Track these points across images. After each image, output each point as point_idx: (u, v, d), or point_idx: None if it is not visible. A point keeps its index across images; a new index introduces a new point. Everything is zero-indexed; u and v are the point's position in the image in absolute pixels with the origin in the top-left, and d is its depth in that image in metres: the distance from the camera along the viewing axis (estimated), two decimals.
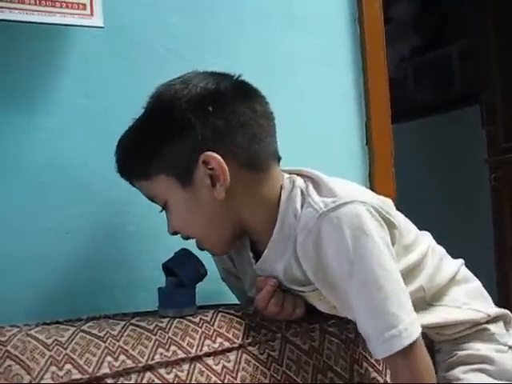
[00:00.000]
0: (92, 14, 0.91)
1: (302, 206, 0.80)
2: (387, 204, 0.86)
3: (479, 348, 0.88)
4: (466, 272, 0.95)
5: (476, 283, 0.95)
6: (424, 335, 0.91)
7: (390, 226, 0.81)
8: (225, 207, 0.81)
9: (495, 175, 2.36)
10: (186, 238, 0.86)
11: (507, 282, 2.27)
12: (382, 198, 0.87)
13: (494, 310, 0.92)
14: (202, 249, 0.87)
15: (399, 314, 0.74)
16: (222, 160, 0.79)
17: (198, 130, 0.79)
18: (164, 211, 0.85)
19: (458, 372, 0.87)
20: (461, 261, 0.96)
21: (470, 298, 0.91)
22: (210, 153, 0.79)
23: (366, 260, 0.75)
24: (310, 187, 0.82)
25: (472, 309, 0.90)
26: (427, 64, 3.02)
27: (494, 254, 2.36)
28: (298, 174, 0.86)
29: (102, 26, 0.93)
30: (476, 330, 0.90)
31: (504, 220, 2.34)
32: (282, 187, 0.83)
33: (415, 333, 0.74)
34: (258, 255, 0.86)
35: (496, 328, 0.91)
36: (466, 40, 2.75)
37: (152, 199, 0.86)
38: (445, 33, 2.94)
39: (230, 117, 0.80)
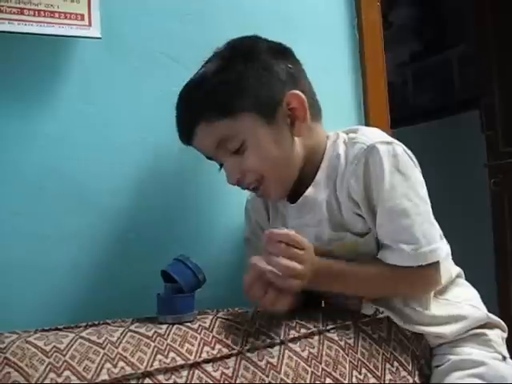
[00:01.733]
0: (90, 25, 0.91)
1: (345, 150, 0.90)
2: None
3: (472, 352, 0.89)
4: (464, 280, 0.99)
5: (474, 291, 0.98)
6: (422, 338, 0.92)
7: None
8: (299, 146, 0.90)
9: (495, 180, 2.36)
10: (247, 187, 0.91)
11: (508, 286, 2.26)
12: None
13: (492, 315, 0.93)
14: (262, 195, 0.94)
15: (422, 240, 0.84)
16: (304, 98, 0.88)
17: (280, 72, 0.88)
18: (224, 161, 0.89)
19: (453, 379, 0.87)
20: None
21: (471, 297, 0.94)
22: (295, 91, 0.88)
23: (398, 191, 0.84)
24: (353, 134, 0.91)
25: (473, 305, 0.92)
26: (427, 69, 3.02)
27: (494, 259, 2.35)
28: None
29: (100, 36, 0.93)
30: (474, 333, 0.90)
31: (504, 225, 2.33)
32: (327, 137, 0.94)
33: (441, 255, 0.86)
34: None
35: (493, 335, 0.92)
36: (465, 45, 2.75)
37: (217, 146, 0.88)
38: (444, 38, 2.94)
39: (296, 67, 0.92)
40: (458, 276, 0.97)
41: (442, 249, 0.87)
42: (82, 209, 0.96)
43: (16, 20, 0.86)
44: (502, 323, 0.95)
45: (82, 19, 0.91)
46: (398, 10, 3.05)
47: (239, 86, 0.85)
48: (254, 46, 0.89)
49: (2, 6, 0.85)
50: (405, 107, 2.96)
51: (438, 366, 0.91)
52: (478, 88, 2.52)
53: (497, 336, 0.92)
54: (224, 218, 1.10)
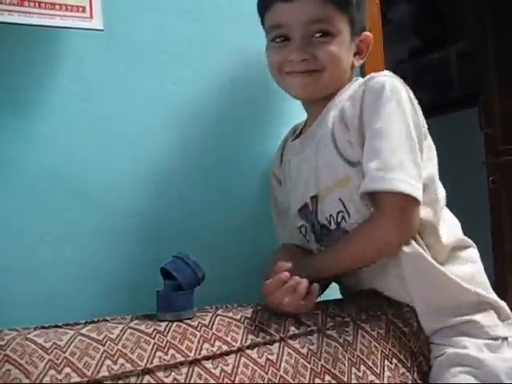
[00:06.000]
0: (92, 17, 0.91)
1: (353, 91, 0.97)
2: None
3: (467, 346, 0.88)
4: (472, 253, 0.99)
5: (475, 267, 0.98)
6: (419, 334, 0.92)
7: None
8: (349, 70, 1.00)
9: (493, 177, 2.36)
10: (301, 70, 0.96)
11: (505, 285, 2.27)
12: None
13: (483, 294, 0.92)
14: (303, 83, 0.98)
15: (395, 166, 0.86)
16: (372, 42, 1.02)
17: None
18: (301, 38, 0.95)
19: (449, 376, 0.87)
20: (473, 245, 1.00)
21: (465, 275, 0.93)
22: (370, 34, 1.02)
23: (388, 118, 0.88)
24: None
25: (463, 286, 0.91)
26: (426, 66, 3.03)
27: (492, 257, 2.36)
28: None
29: (102, 28, 0.92)
30: (464, 320, 0.89)
31: (502, 223, 2.34)
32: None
33: (415, 194, 0.85)
34: None
35: (485, 319, 0.90)
36: (464, 42, 2.76)
37: (308, 23, 0.94)
38: (443, 35, 2.94)
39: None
40: (456, 249, 0.96)
41: (418, 189, 0.85)
42: (80, 206, 0.96)
43: (16, 11, 0.85)
44: (500, 305, 0.93)
45: (84, 11, 0.90)
46: (396, 7, 3.05)
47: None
48: None
49: None
50: None
51: (434, 358, 0.91)
52: (476, 85, 2.53)
53: (490, 319, 0.90)
54: (228, 216, 1.09)
